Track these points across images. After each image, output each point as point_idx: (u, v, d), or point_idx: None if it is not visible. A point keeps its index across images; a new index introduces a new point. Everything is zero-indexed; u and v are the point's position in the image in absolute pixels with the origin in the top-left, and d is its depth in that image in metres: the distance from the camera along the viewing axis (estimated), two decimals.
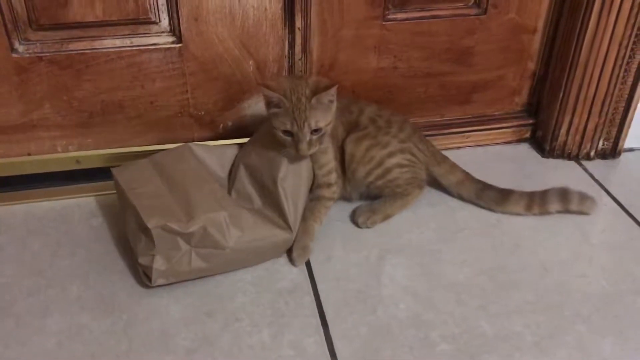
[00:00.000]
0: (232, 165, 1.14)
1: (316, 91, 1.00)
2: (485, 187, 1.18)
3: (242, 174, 1.10)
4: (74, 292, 0.99)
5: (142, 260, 0.97)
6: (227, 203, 1.03)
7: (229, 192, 1.10)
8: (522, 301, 0.99)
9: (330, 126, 1.05)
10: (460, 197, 1.20)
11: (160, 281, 0.98)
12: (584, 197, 1.16)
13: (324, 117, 1.02)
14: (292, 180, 1.05)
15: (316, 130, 1.02)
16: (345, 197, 1.18)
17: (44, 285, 1.00)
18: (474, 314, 0.97)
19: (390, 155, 1.13)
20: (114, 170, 1.07)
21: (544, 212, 1.15)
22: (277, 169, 1.04)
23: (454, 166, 1.20)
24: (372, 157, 1.12)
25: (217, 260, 0.99)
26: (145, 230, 0.96)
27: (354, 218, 1.15)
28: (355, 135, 1.13)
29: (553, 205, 1.15)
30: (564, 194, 1.15)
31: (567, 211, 1.15)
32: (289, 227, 1.04)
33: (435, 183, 1.22)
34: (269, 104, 1.03)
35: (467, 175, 1.19)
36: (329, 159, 1.11)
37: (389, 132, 1.14)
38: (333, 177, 1.12)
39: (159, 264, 0.96)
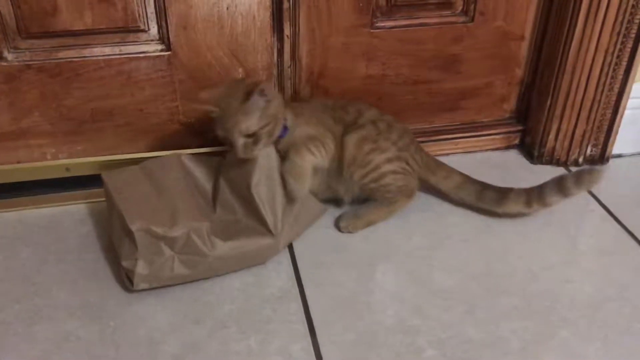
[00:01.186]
0: (215, 177, 1.14)
1: (247, 95, 1.00)
2: (484, 187, 1.17)
3: (223, 186, 1.10)
4: (62, 299, 0.99)
5: (125, 263, 0.98)
6: (210, 216, 1.05)
7: (214, 206, 1.10)
8: (509, 306, 0.99)
9: (272, 124, 1.02)
10: (462, 201, 1.19)
11: (142, 285, 0.98)
12: (579, 177, 1.11)
13: (257, 121, 1.01)
14: (266, 185, 1.04)
15: (249, 135, 1.01)
16: (336, 199, 1.18)
17: (32, 293, 1.00)
18: (461, 319, 0.97)
19: (388, 161, 1.12)
20: (104, 174, 1.07)
21: (545, 205, 1.14)
22: (249, 176, 1.04)
23: (450, 171, 1.19)
24: (370, 161, 1.11)
25: (199, 268, 1.00)
26: (129, 233, 0.96)
27: (337, 222, 1.15)
28: (357, 135, 1.11)
29: (552, 197, 1.12)
30: (559, 183, 1.12)
31: (570, 196, 1.12)
32: (269, 232, 1.04)
33: (432, 189, 1.22)
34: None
35: (465, 177, 1.18)
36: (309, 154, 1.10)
37: (389, 137, 1.13)
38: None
39: (141, 268, 0.96)
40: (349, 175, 1.13)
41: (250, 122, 1.01)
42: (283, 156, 1.08)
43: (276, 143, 1.07)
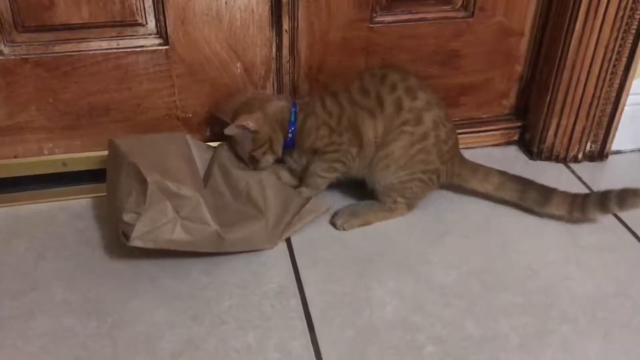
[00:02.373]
0: (208, 166, 1.15)
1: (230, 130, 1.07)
2: (525, 186, 1.14)
3: (217, 173, 1.11)
4: (59, 295, 0.98)
5: (127, 217, 0.95)
6: (207, 196, 1.05)
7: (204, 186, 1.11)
8: (509, 303, 0.99)
9: (267, 145, 1.09)
10: (504, 200, 1.18)
11: (138, 242, 0.94)
12: (623, 198, 1.08)
13: (248, 145, 1.09)
14: (272, 179, 1.10)
15: (250, 156, 1.10)
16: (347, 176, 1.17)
17: (28, 288, 0.99)
18: (461, 315, 0.97)
19: (426, 172, 1.11)
20: (114, 139, 1.06)
21: (586, 218, 1.13)
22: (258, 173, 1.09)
23: (487, 173, 1.17)
24: (413, 165, 1.10)
25: (199, 236, 0.98)
26: (141, 184, 0.95)
27: (332, 219, 1.15)
28: (411, 141, 1.08)
29: (594, 213, 1.12)
30: (602, 200, 1.10)
31: (608, 213, 1.13)
32: (261, 214, 1.05)
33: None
34: None
35: (504, 177, 1.16)
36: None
37: (441, 149, 1.10)
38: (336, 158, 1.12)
39: (142, 223, 0.94)
40: (381, 168, 1.11)
41: (244, 146, 1.09)
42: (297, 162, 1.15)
43: (288, 152, 1.14)
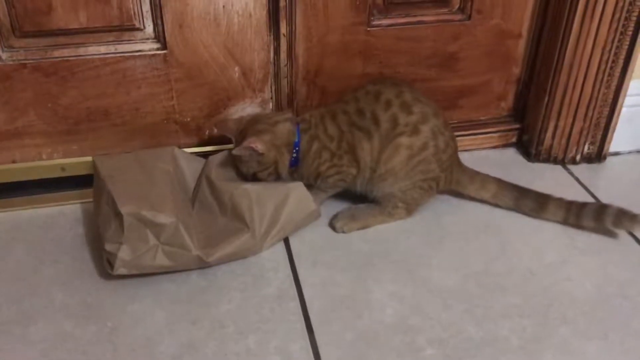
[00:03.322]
0: (198, 176, 1.15)
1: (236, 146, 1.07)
2: (521, 194, 1.16)
3: (204, 187, 1.11)
4: (58, 300, 0.98)
5: (109, 247, 0.97)
6: (193, 217, 1.07)
7: (192, 203, 1.12)
8: (508, 305, 0.99)
9: (273, 166, 1.09)
10: (499, 207, 1.19)
11: (122, 270, 0.97)
12: (620, 218, 1.10)
13: (254, 166, 1.09)
14: (259, 186, 1.09)
15: (252, 174, 1.10)
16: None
17: (28, 293, 0.99)
18: (461, 318, 0.97)
19: (426, 180, 1.12)
20: (96, 159, 1.09)
21: (580, 226, 1.14)
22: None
23: (484, 181, 1.18)
24: (414, 176, 1.11)
25: (181, 260, 1.00)
26: (118, 216, 0.96)
27: (332, 222, 1.15)
28: (410, 155, 1.09)
29: (588, 223, 1.13)
30: (599, 213, 1.11)
31: (603, 230, 1.13)
32: (247, 227, 1.05)
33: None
34: None
35: (500, 185, 1.18)
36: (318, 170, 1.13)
37: (440, 158, 1.11)
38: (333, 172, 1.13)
39: (124, 253, 0.96)
40: (380, 179, 1.12)
41: (250, 166, 1.09)
42: (300, 179, 1.14)
43: (292, 172, 1.14)
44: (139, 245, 0.97)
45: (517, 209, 1.18)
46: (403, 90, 1.09)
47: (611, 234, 1.14)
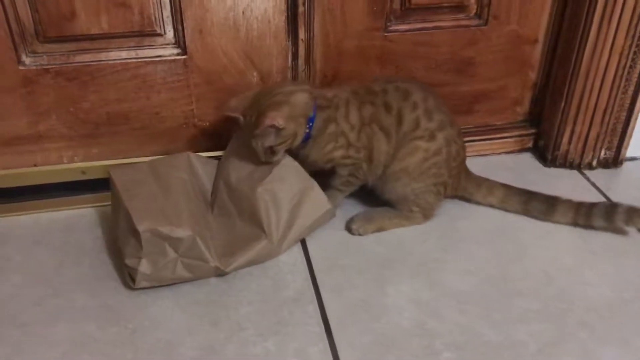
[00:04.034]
0: (215, 180, 1.16)
1: (256, 124, 1.03)
2: (529, 197, 1.17)
3: (222, 189, 1.12)
4: (79, 302, 1.00)
5: (129, 261, 0.99)
6: (208, 217, 1.09)
7: (211, 206, 1.13)
8: (525, 309, 0.99)
9: (290, 140, 1.05)
10: (507, 211, 1.20)
11: (144, 284, 1.00)
12: (631, 215, 1.11)
13: (273, 139, 1.04)
14: (274, 192, 1.08)
15: (268, 148, 1.06)
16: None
17: (50, 295, 1.01)
18: (478, 322, 0.97)
19: (435, 184, 1.13)
20: (111, 171, 1.09)
21: (590, 227, 1.15)
22: (259, 180, 1.08)
23: (491, 187, 1.20)
24: (426, 179, 1.12)
25: (200, 272, 1.02)
26: (135, 233, 0.97)
27: (348, 224, 1.16)
28: (425, 157, 1.11)
29: (599, 223, 1.13)
30: (609, 211, 1.12)
31: (615, 229, 1.14)
32: (264, 233, 1.06)
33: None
34: None
35: (507, 190, 1.19)
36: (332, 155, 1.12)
37: (450, 165, 1.13)
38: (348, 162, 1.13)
39: (144, 267, 0.98)
40: (394, 177, 1.12)
41: (266, 141, 1.05)
42: (305, 160, 1.12)
43: (300, 147, 1.10)
44: (159, 258, 0.99)
45: (525, 213, 1.18)
46: (428, 97, 1.11)
47: (626, 237, 1.14)
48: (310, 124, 1.07)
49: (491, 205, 1.21)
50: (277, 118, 1.01)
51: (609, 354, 0.92)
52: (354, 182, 1.15)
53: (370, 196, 1.19)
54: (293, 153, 1.11)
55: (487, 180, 1.21)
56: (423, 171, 1.11)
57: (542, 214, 1.17)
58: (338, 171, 1.14)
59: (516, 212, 1.19)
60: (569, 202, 1.16)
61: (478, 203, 1.21)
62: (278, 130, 1.03)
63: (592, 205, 1.14)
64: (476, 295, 1.02)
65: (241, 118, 1.07)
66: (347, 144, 1.10)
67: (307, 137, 1.09)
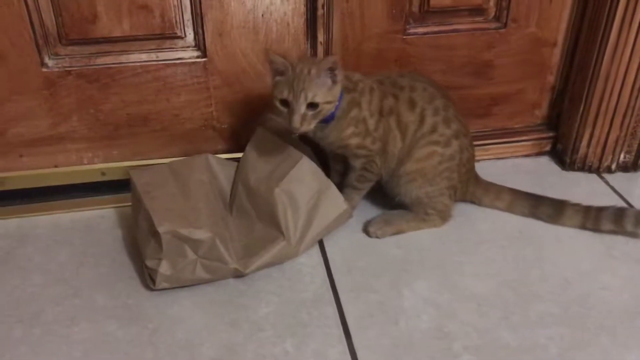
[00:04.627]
0: (233, 182, 1.17)
1: (320, 66, 1.00)
2: (537, 202, 1.18)
3: (241, 191, 1.13)
4: (100, 301, 1.01)
5: (149, 263, 1.00)
6: (229, 225, 1.09)
7: (231, 209, 1.14)
8: (545, 313, 0.99)
9: (330, 105, 1.02)
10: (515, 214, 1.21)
11: (164, 285, 1.01)
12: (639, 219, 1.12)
13: (322, 93, 1.00)
14: (292, 189, 1.08)
15: (312, 105, 1.00)
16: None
17: (70, 295, 1.02)
18: (497, 325, 0.97)
19: (448, 188, 1.14)
20: (132, 172, 1.10)
21: (599, 231, 1.15)
22: (277, 182, 1.08)
23: (499, 192, 1.20)
24: (440, 182, 1.13)
25: (219, 273, 1.03)
26: (156, 235, 0.98)
27: (365, 227, 1.16)
28: (440, 161, 1.12)
29: (607, 226, 1.14)
30: (618, 215, 1.12)
31: (624, 234, 1.14)
32: (282, 234, 1.06)
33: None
34: (274, 72, 1.03)
35: (515, 194, 1.19)
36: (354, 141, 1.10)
37: (460, 171, 1.14)
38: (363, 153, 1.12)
39: (164, 268, 0.99)
40: (407, 178, 1.13)
41: (318, 92, 1.00)
42: (323, 140, 1.10)
43: (321, 127, 1.07)
44: (178, 260, 1.00)
45: (533, 217, 1.19)
46: (449, 105, 1.13)
47: None
48: (338, 103, 1.06)
49: (499, 209, 1.21)
50: (340, 67, 1.00)
51: (630, 358, 0.91)
52: (368, 177, 1.14)
53: (386, 198, 1.19)
54: (309, 137, 1.11)
55: (494, 185, 1.22)
56: (437, 174, 1.12)
57: (550, 217, 1.17)
58: (351, 163, 1.14)
59: (524, 215, 1.20)
60: (577, 205, 1.16)
61: (486, 207, 1.22)
62: (333, 83, 1.01)
63: (601, 209, 1.14)
64: (495, 298, 1.02)
65: (289, 68, 1.00)
66: (365, 131, 1.09)
67: (332, 117, 1.07)
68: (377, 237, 1.15)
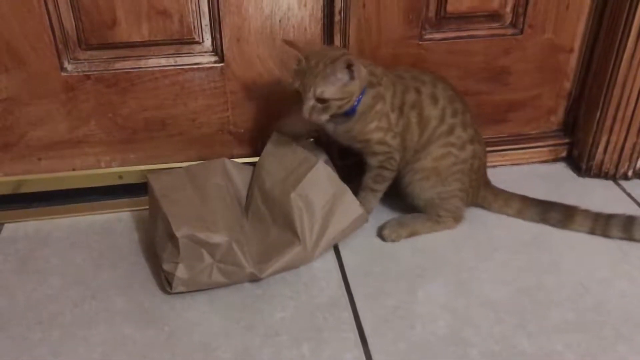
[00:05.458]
0: (249, 186, 1.18)
1: (333, 62, 0.99)
2: (547, 208, 1.18)
3: (257, 195, 1.14)
4: (117, 304, 1.01)
5: (166, 266, 1.01)
6: (245, 229, 1.09)
7: (247, 213, 1.14)
8: (561, 320, 0.98)
9: (343, 102, 1.02)
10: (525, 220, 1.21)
11: (181, 288, 1.01)
12: None
13: (333, 89, 1.00)
14: (308, 193, 1.09)
15: (321, 100, 1.01)
16: None
17: (88, 297, 1.03)
18: (513, 332, 0.96)
19: (461, 190, 1.15)
20: (149, 176, 1.11)
21: (607, 237, 1.15)
22: (293, 186, 1.08)
23: (508, 198, 1.21)
24: (452, 183, 1.14)
25: (235, 277, 1.03)
26: (173, 238, 0.99)
27: (380, 230, 1.16)
28: (455, 162, 1.12)
29: (617, 234, 1.14)
30: (628, 223, 1.12)
31: (635, 241, 1.13)
32: (298, 239, 1.07)
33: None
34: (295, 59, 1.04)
35: (524, 201, 1.20)
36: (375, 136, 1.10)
37: (471, 177, 1.15)
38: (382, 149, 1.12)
39: (181, 272, 1.00)
40: (421, 175, 1.13)
41: (327, 89, 1.00)
42: (346, 134, 1.10)
43: (341, 121, 1.08)
44: (195, 264, 1.00)
45: (543, 222, 1.19)
46: (467, 110, 1.14)
47: None
48: (360, 97, 1.05)
49: (509, 216, 1.21)
50: (359, 63, 1.00)
51: None
52: (385, 175, 1.14)
53: (401, 202, 1.20)
54: (325, 132, 1.12)
55: (505, 191, 1.22)
56: (450, 174, 1.13)
57: (559, 222, 1.17)
58: (368, 161, 1.13)
59: (534, 221, 1.20)
60: (586, 212, 1.16)
61: (496, 212, 1.22)
62: (350, 80, 1.01)
63: (611, 216, 1.14)
64: (511, 305, 1.01)
65: (303, 59, 1.02)
66: (387, 126, 1.09)
67: (353, 111, 1.06)
68: (392, 240, 1.15)
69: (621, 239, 1.14)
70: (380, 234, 1.16)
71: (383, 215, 1.20)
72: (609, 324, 0.98)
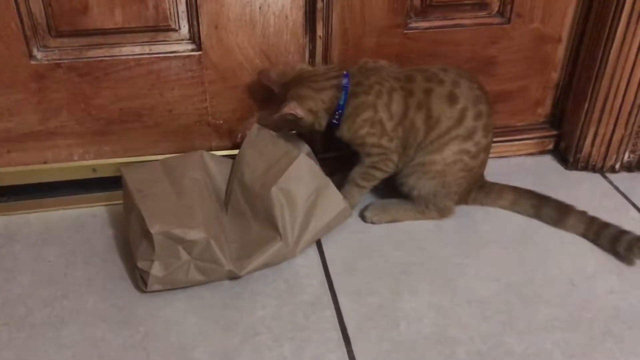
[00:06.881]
0: (229, 180, 1.13)
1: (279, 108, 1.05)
2: (541, 203, 1.15)
3: (236, 189, 1.10)
4: (90, 303, 0.97)
5: (141, 264, 0.97)
6: (222, 218, 1.07)
7: (226, 206, 1.10)
8: (549, 317, 0.96)
9: (310, 121, 1.07)
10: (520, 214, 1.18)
11: (156, 287, 0.97)
12: (633, 246, 1.06)
13: (290, 120, 1.06)
14: (290, 187, 1.05)
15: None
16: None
17: (59, 296, 0.98)
18: (501, 330, 0.94)
19: (456, 193, 1.13)
20: (124, 169, 1.07)
21: (596, 244, 1.11)
22: (273, 180, 1.05)
23: (501, 190, 1.18)
24: (450, 187, 1.12)
25: (214, 275, 0.99)
26: (147, 235, 0.95)
27: (362, 212, 1.15)
28: (462, 169, 1.10)
29: (603, 243, 1.10)
30: (615, 238, 1.08)
31: (615, 254, 1.09)
32: (279, 235, 1.03)
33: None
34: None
35: (518, 194, 1.17)
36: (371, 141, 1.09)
37: (470, 182, 1.14)
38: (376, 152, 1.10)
39: (156, 270, 0.96)
40: (427, 170, 1.10)
41: (286, 120, 1.06)
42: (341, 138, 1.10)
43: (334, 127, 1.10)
44: (171, 261, 0.96)
45: (536, 218, 1.16)
46: (491, 114, 1.11)
47: None
48: (340, 111, 1.07)
49: (503, 208, 1.19)
50: (296, 109, 1.04)
51: None
52: (375, 175, 1.12)
53: (387, 188, 1.17)
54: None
55: (497, 184, 1.19)
56: (454, 179, 1.11)
57: (552, 220, 1.15)
58: (362, 159, 1.12)
59: (528, 215, 1.17)
60: (581, 215, 1.12)
61: (491, 206, 1.20)
62: (298, 118, 1.05)
63: (604, 225, 1.10)
64: (499, 302, 0.99)
65: (276, 90, 1.09)
66: (380, 132, 1.07)
67: (337, 124, 1.09)
68: (372, 222, 1.14)
69: (606, 251, 1.10)
70: (361, 215, 1.15)
71: (367, 196, 1.18)
72: (598, 321, 0.96)
